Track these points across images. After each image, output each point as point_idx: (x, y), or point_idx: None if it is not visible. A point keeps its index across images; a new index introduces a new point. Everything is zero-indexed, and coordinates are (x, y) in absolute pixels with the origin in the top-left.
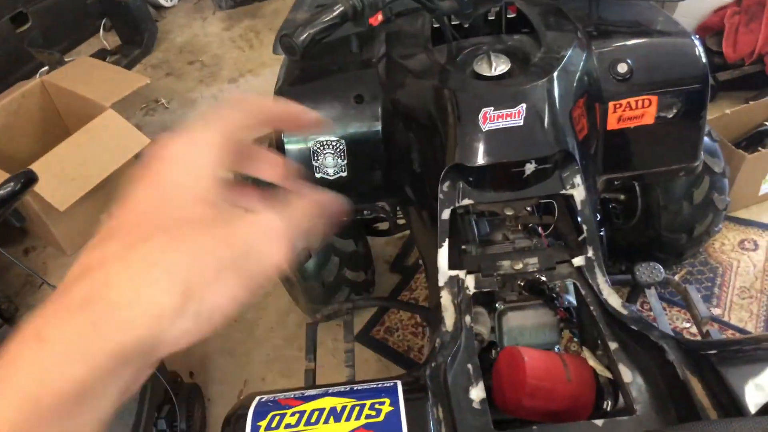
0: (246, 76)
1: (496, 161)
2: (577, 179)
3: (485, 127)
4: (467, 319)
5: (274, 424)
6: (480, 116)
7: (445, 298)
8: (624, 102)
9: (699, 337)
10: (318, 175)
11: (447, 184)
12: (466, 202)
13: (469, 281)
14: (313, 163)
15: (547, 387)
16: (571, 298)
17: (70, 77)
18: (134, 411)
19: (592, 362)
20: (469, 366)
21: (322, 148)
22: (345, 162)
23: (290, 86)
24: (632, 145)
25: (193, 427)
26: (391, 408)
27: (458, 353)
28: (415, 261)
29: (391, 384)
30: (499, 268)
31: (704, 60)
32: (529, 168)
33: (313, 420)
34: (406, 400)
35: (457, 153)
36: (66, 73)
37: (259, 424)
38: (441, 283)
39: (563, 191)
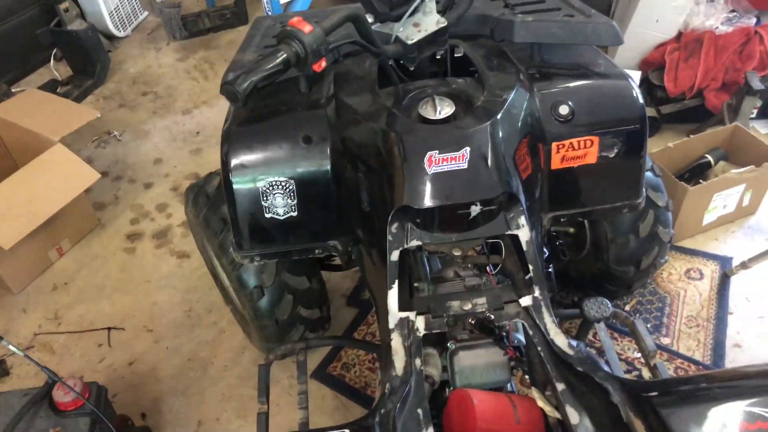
0: (200, 107)
1: (442, 204)
2: (522, 220)
3: (431, 170)
4: (417, 362)
5: None
6: (425, 159)
7: (396, 341)
8: (567, 142)
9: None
10: (268, 215)
11: (395, 225)
12: (415, 243)
13: (419, 322)
14: (263, 203)
15: (496, 429)
16: (521, 337)
17: (18, 110)
18: None
19: (540, 403)
20: (419, 411)
21: (271, 188)
22: (295, 202)
23: (238, 126)
24: (576, 183)
25: None
26: None
27: (408, 398)
28: (371, 296)
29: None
30: (448, 308)
31: (641, 102)
32: (475, 210)
33: None
34: None
35: (405, 195)
36: (13, 106)
37: None
38: (391, 324)
39: (508, 232)
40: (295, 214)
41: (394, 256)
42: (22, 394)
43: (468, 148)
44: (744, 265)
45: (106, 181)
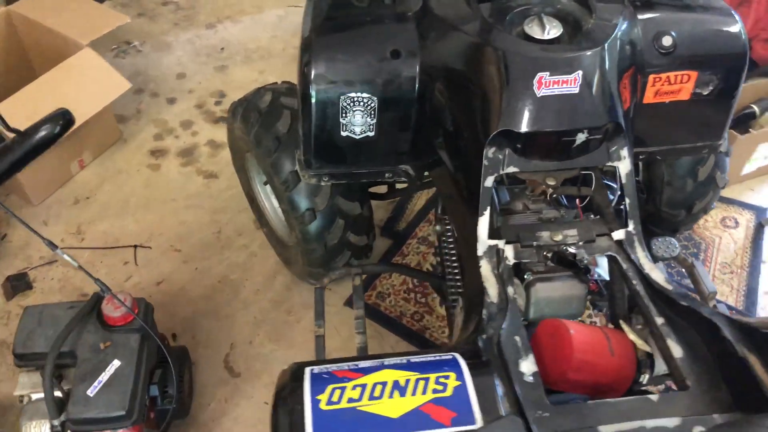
0: (224, 22)
1: (549, 129)
2: (624, 152)
3: (540, 92)
4: (510, 290)
5: (335, 398)
6: (534, 81)
7: (485, 268)
8: (664, 76)
9: None
10: (344, 134)
11: (492, 150)
12: (511, 169)
13: (509, 252)
14: (341, 120)
15: (592, 361)
16: (601, 271)
17: (40, 8)
18: (131, 377)
19: (632, 336)
20: (517, 338)
21: (352, 104)
22: (374, 121)
23: (320, 37)
24: (664, 120)
25: (183, 391)
26: (458, 383)
27: (505, 325)
28: (406, 226)
29: (450, 357)
30: (538, 239)
31: (745, 38)
32: (580, 138)
33: (376, 394)
34: (472, 373)
35: (507, 118)
36: (35, 4)
37: (318, 398)
38: (480, 252)
39: (610, 163)
40: (372, 134)
41: (489, 182)
42: (67, 306)
43: (580, 72)
44: None
45: (127, 92)
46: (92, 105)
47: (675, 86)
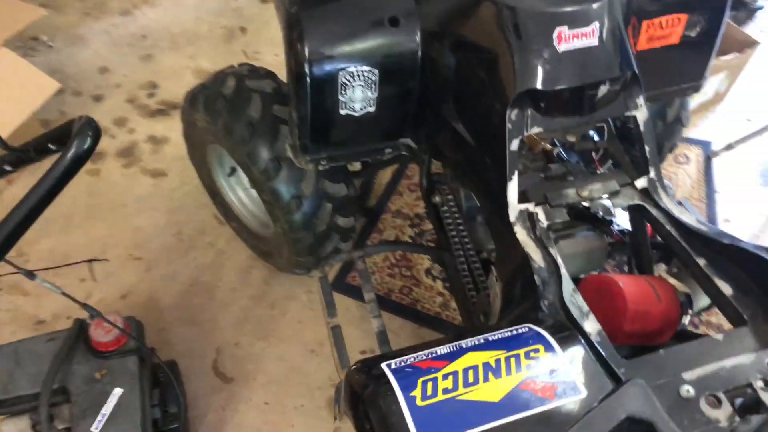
0: (140, 7)
1: (575, 84)
2: (640, 99)
3: (561, 48)
4: (553, 251)
5: (429, 392)
6: (554, 36)
7: (521, 234)
8: (657, 21)
9: None
10: (343, 112)
11: (515, 112)
12: (536, 130)
13: (540, 213)
14: (340, 98)
15: (644, 310)
16: (616, 219)
17: None
18: (137, 403)
19: (671, 280)
20: (573, 299)
21: (352, 79)
22: (375, 95)
23: (308, 9)
24: (655, 65)
25: (182, 407)
26: (548, 354)
27: (564, 288)
28: (377, 201)
29: (527, 329)
30: (565, 196)
31: None
32: (602, 90)
33: (471, 380)
34: (557, 342)
35: (529, 78)
36: None
37: (412, 394)
38: (512, 218)
39: (628, 113)
40: (372, 109)
41: (514, 145)
42: (46, 339)
43: (597, 23)
44: (729, 147)
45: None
46: (18, 111)
47: (666, 30)
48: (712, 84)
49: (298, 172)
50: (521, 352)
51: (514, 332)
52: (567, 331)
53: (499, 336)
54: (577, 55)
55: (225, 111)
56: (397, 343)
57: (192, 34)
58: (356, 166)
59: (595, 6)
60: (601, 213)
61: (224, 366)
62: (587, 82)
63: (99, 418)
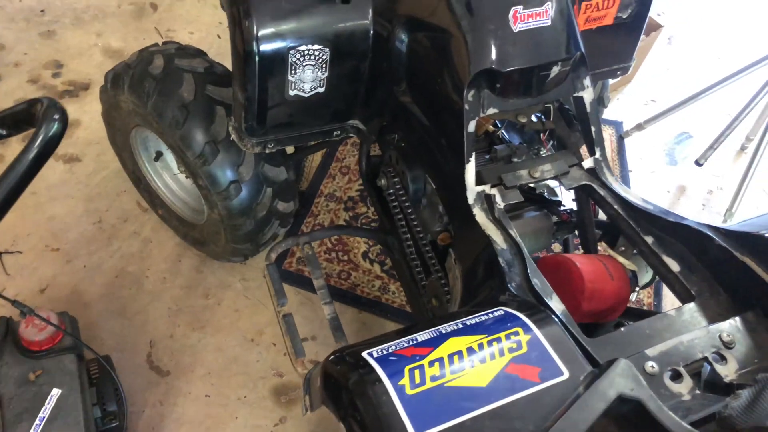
0: None
1: (531, 64)
2: (587, 80)
3: (516, 27)
4: (513, 232)
5: (417, 380)
6: (510, 16)
7: (480, 216)
8: (594, 2)
9: None
10: (292, 92)
11: (471, 93)
12: (491, 111)
13: (497, 195)
14: (289, 77)
15: (600, 288)
16: (563, 199)
17: None
18: (78, 403)
19: (620, 259)
20: (536, 281)
21: (302, 59)
22: (325, 75)
23: None
24: (589, 46)
25: (121, 404)
26: (528, 336)
27: (529, 268)
28: (309, 185)
29: (502, 312)
30: (519, 177)
31: None
32: (554, 70)
33: (457, 366)
34: (535, 324)
35: (485, 58)
36: None
37: (401, 383)
38: (470, 200)
39: (576, 93)
40: (322, 90)
41: (471, 126)
42: None
43: (550, 3)
44: (639, 127)
45: None
46: None
47: (602, 12)
48: None
49: (235, 155)
50: (502, 335)
51: (491, 315)
52: (539, 312)
53: (477, 320)
54: (532, 35)
55: (154, 92)
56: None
57: (98, 9)
58: (290, 148)
59: None
60: (546, 193)
61: (159, 359)
62: (542, 62)
63: (36, 422)
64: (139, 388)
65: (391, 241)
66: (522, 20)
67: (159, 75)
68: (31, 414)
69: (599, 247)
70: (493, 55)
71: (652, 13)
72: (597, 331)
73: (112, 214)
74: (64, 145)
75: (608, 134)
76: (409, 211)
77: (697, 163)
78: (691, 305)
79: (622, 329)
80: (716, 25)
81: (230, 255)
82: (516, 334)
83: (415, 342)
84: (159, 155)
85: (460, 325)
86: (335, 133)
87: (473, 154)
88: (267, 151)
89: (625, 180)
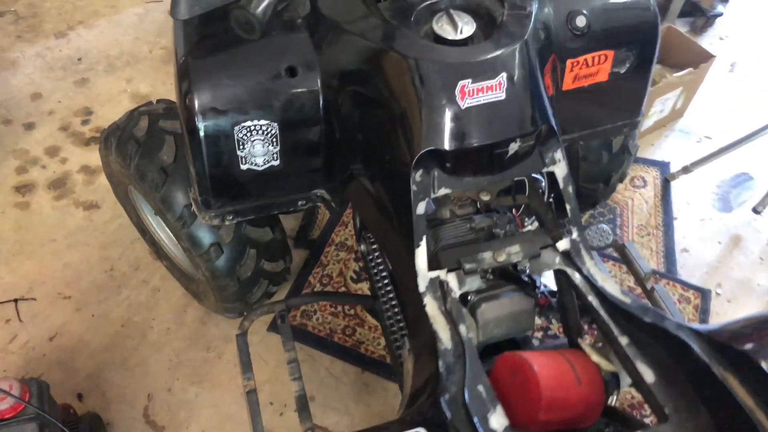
0: (76, 28)
1: (482, 142)
2: (558, 154)
3: (464, 104)
4: (462, 328)
5: None
6: (457, 91)
7: (431, 306)
8: (581, 59)
9: (643, 294)
10: (244, 167)
11: (420, 173)
12: (443, 191)
13: (453, 282)
14: (238, 152)
15: (561, 396)
16: (546, 281)
17: None
18: None
19: (595, 357)
20: (480, 388)
21: (249, 134)
22: (277, 149)
23: (198, 60)
24: (584, 104)
25: None
26: None
27: (467, 378)
28: (321, 233)
29: None
30: (480, 261)
31: (655, 8)
32: (513, 147)
33: None
34: None
35: (431, 136)
36: None
37: None
38: (422, 288)
39: (546, 169)
40: (276, 163)
41: (420, 208)
42: None
43: (504, 74)
44: (686, 170)
45: None
46: None
47: (593, 68)
48: (668, 100)
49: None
50: None
51: None
52: None
53: None
54: (483, 111)
55: (137, 154)
56: (339, 390)
57: (130, 55)
58: None
59: (500, 54)
60: (528, 272)
61: (156, 413)
62: (495, 140)
63: None
64: None
65: (379, 306)
66: (470, 95)
67: (142, 137)
68: None
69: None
70: (440, 134)
71: (710, 36)
72: None
73: (125, 262)
74: (86, 191)
75: (652, 176)
76: (386, 281)
77: (755, 211)
78: (662, 428)
79: None
80: None
81: (222, 312)
82: None
83: None
84: None
85: None
86: (300, 203)
87: (424, 237)
88: (227, 223)
89: (667, 229)
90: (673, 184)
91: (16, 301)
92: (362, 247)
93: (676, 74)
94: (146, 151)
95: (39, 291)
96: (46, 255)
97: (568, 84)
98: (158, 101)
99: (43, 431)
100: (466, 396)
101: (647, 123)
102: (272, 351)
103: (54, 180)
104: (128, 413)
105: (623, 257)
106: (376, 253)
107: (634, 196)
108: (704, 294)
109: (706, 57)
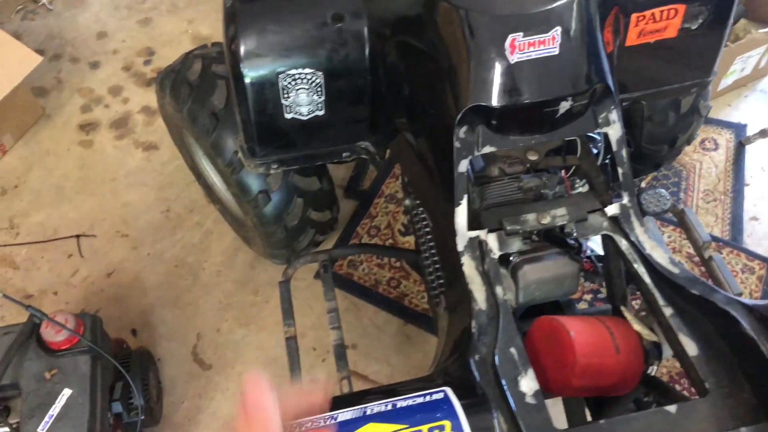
0: None
1: (531, 100)
2: (614, 115)
3: (513, 58)
4: (499, 290)
5: None
6: (507, 44)
7: (468, 266)
8: (648, 13)
9: (700, 262)
10: (288, 116)
11: (464, 129)
12: (488, 149)
13: (492, 242)
14: (283, 101)
15: (597, 363)
16: (593, 245)
17: None
18: (86, 406)
19: (637, 327)
20: (513, 351)
21: (293, 83)
22: (322, 99)
23: (245, 4)
24: (649, 61)
25: (150, 399)
26: None
27: (499, 341)
28: (371, 184)
29: (441, 395)
30: (524, 222)
31: None
32: (564, 106)
33: None
34: (468, 416)
35: (477, 91)
36: None
37: None
38: (460, 247)
39: (599, 130)
40: (321, 112)
41: (462, 166)
42: (3, 333)
43: (559, 28)
44: (764, 133)
45: (43, 61)
46: (1, 84)
47: (661, 24)
48: (751, 58)
49: None
50: (425, 428)
51: (428, 398)
52: (484, 403)
53: (410, 402)
54: (534, 67)
55: (190, 98)
56: (381, 340)
57: None
58: None
59: (556, 6)
60: (575, 236)
61: (204, 352)
62: (545, 97)
63: (46, 419)
64: (181, 380)
65: (422, 261)
66: (521, 49)
67: (195, 81)
68: (43, 410)
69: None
70: (486, 89)
71: None
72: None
73: (180, 203)
74: (146, 132)
75: (725, 139)
76: (429, 237)
77: None
78: (700, 402)
79: (603, 422)
80: None
81: (271, 257)
82: (442, 428)
83: (332, 420)
84: None
85: (389, 406)
86: (344, 154)
87: (465, 196)
88: (271, 172)
89: (737, 195)
90: (748, 148)
91: (78, 237)
92: (407, 201)
93: (762, 30)
94: (198, 96)
95: (99, 228)
96: (107, 193)
97: (632, 39)
98: (213, 44)
99: (95, 363)
100: (496, 358)
101: (725, 82)
102: (318, 298)
103: (116, 119)
104: (178, 351)
105: (681, 224)
106: (420, 209)
107: (703, 159)
108: None
109: None
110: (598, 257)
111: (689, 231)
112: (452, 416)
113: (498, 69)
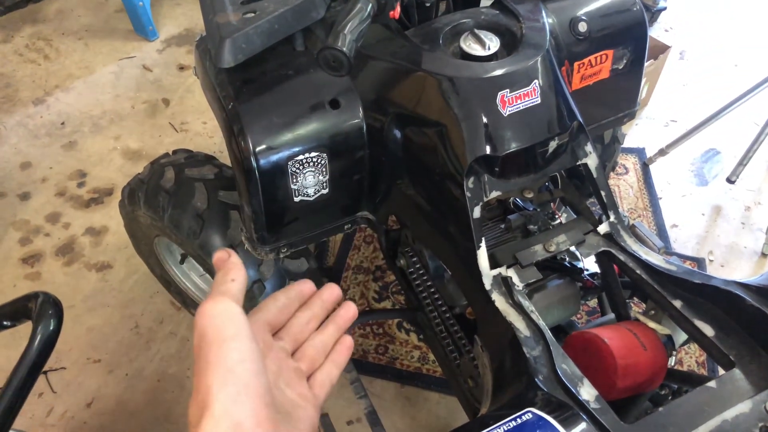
0: (54, 93)
1: (525, 144)
2: (588, 147)
3: (506, 111)
4: (535, 316)
5: None
6: (497, 101)
7: (500, 302)
8: (586, 61)
9: None
10: (297, 199)
11: (471, 180)
12: (495, 194)
13: (514, 276)
14: (292, 186)
15: (633, 363)
16: (585, 265)
17: None
18: None
19: (651, 324)
20: (565, 366)
21: (301, 167)
22: (327, 178)
23: (246, 103)
24: (589, 101)
25: None
26: None
27: (555, 357)
28: (335, 260)
29: (530, 415)
30: (534, 254)
31: (641, 6)
32: (552, 145)
33: None
34: (563, 425)
35: (479, 145)
36: None
37: None
38: (487, 285)
39: (580, 161)
40: (326, 191)
41: (477, 212)
42: None
43: (537, 81)
44: (662, 152)
45: None
46: None
47: (596, 68)
48: None
49: (256, 257)
50: None
51: (518, 421)
52: (568, 410)
53: (504, 428)
54: (523, 116)
55: (169, 205)
56: (382, 407)
57: (113, 113)
58: None
59: (531, 63)
60: (568, 260)
61: None
62: (537, 140)
63: None
64: None
65: (421, 317)
66: (510, 103)
67: (172, 188)
68: None
69: (633, 306)
70: (487, 142)
71: (657, 30)
72: (633, 404)
73: (148, 317)
74: (95, 253)
75: (632, 163)
76: (432, 290)
77: (729, 181)
78: (732, 373)
79: (661, 409)
80: (728, 32)
81: None
82: None
83: None
84: (185, 257)
85: None
86: (346, 227)
87: (483, 239)
88: (281, 256)
89: (655, 209)
90: (652, 167)
91: (45, 373)
92: (401, 261)
93: None
94: (178, 202)
95: (67, 359)
96: (67, 322)
97: (576, 84)
98: (174, 152)
99: None
100: (559, 371)
101: None
102: None
103: (60, 246)
104: None
105: (636, 236)
106: (417, 266)
107: (620, 183)
108: (700, 263)
109: (663, 48)
110: (592, 274)
111: (644, 241)
112: (550, 428)
113: (495, 123)
